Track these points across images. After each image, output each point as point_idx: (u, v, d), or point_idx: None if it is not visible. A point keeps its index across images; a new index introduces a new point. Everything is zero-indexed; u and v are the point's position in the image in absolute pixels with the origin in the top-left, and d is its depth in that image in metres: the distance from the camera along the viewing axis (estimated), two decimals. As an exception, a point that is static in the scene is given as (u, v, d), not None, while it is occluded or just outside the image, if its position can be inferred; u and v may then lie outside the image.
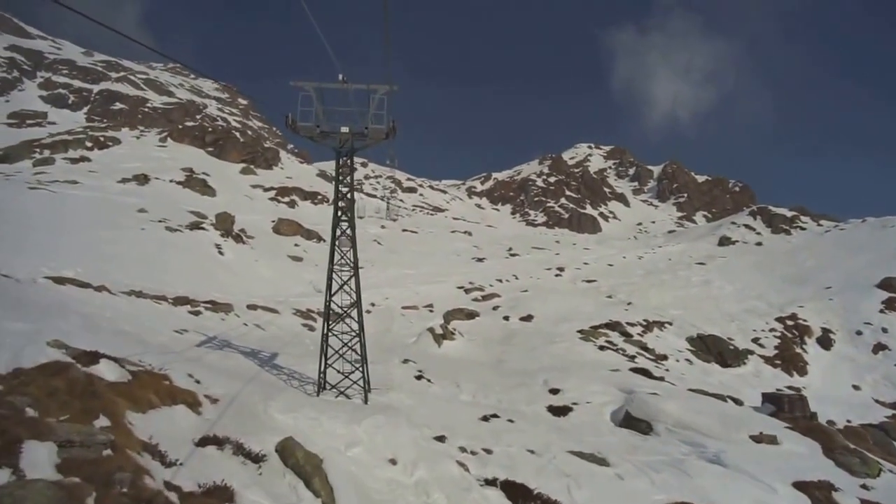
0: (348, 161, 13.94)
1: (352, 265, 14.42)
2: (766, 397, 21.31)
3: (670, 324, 40.05)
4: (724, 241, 74.81)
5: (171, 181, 58.41)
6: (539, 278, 55.28)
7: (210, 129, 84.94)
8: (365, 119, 13.34)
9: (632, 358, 29.29)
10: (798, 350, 35.15)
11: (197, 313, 20.78)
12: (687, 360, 32.54)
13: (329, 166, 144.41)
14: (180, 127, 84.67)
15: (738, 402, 22.06)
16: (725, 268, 60.34)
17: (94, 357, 9.35)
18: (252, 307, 26.30)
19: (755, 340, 36.42)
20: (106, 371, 9.11)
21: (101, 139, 68.99)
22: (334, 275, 14.68)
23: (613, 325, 36.80)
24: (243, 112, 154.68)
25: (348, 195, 13.88)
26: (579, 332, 33.80)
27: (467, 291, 44.69)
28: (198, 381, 11.78)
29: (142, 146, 71.43)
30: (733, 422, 15.66)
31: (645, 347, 32.89)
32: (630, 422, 16.69)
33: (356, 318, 15.07)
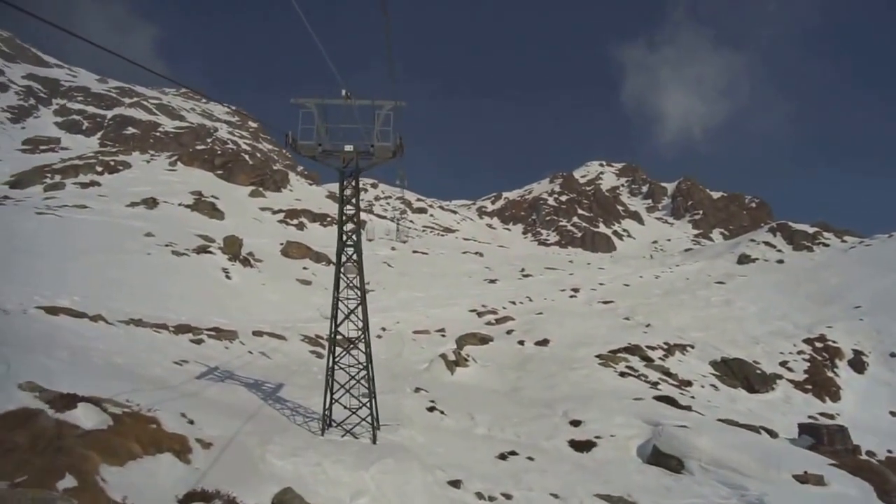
0: (353, 182, 13.17)
1: (359, 293, 13.56)
2: (803, 428, 19.93)
3: (692, 347, 38.64)
4: (744, 259, 73.15)
5: (179, 205, 58.32)
6: (553, 300, 54.07)
7: (219, 153, 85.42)
8: (370, 136, 12.61)
9: (654, 385, 27.98)
10: (829, 374, 33.54)
11: (199, 342, 19.99)
12: (712, 385, 31.11)
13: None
14: (190, 150, 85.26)
15: (771, 433, 20.69)
16: (746, 287, 58.76)
17: (70, 401, 8.52)
18: (258, 333, 25.47)
19: (783, 364, 34.87)
20: (83, 417, 8.26)
21: (112, 163, 69.45)
22: (340, 303, 13.82)
23: (633, 349, 35.50)
24: (253, 135, 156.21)
25: (354, 218, 13.07)
26: (598, 356, 32.55)
27: (480, 314, 43.60)
28: (191, 422, 10.89)
29: (151, 170, 71.78)
30: (772, 458, 14.41)
31: (667, 373, 31.53)
32: (659, 458, 15.48)
33: (364, 350, 14.14)
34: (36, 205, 45.24)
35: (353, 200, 13.22)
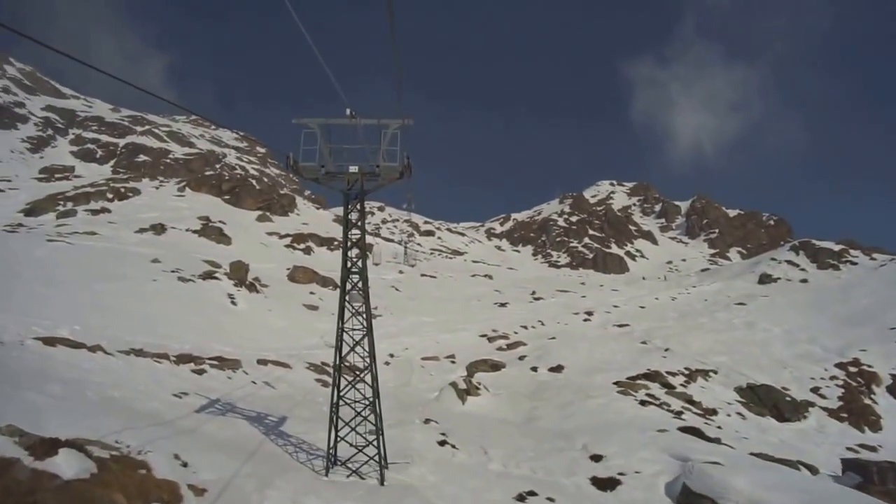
0: (358, 205, 12.62)
1: (365, 322, 12.88)
2: (848, 464, 18.65)
3: (715, 372, 37.40)
4: (765, 279, 71.62)
5: (187, 230, 58.37)
6: (566, 324, 53.00)
7: (227, 178, 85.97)
8: (376, 157, 12.10)
9: (678, 414, 26.81)
10: (867, 401, 32.09)
11: (201, 372, 19.34)
12: (739, 414, 29.83)
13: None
14: (198, 176, 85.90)
15: (812, 469, 19.48)
16: (769, 308, 57.31)
17: (52, 446, 7.88)
18: (262, 362, 24.79)
19: (815, 390, 33.48)
20: (64, 464, 7.60)
21: (122, 190, 70.00)
22: (346, 333, 13.16)
23: (653, 376, 34.36)
24: (261, 160, 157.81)
25: (359, 243, 12.49)
26: (616, 384, 31.45)
27: (490, 340, 42.66)
28: (184, 465, 10.18)
29: (160, 196, 72.22)
30: (818, 501, 13.35)
31: (691, 401, 30.32)
32: (691, 498, 14.47)
33: (370, 383, 13.41)
34: (48, 232, 45.38)
35: (359, 224, 12.64)
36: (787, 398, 31.59)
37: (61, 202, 63.19)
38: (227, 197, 76.97)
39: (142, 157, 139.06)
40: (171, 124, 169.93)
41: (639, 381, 32.32)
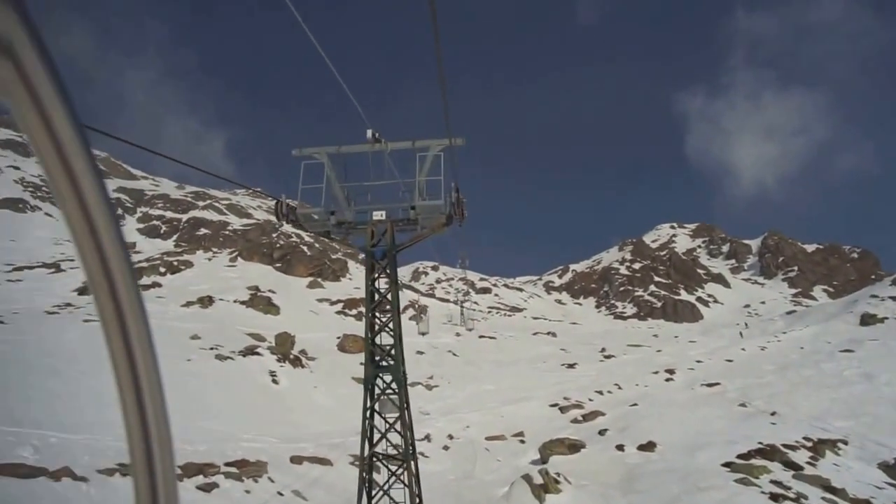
0: (386, 267, 8.77)
1: (401, 448, 8.72)
2: None
3: (845, 442, 30.51)
4: (869, 320, 62.62)
5: (234, 301, 56.69)
6: (646, 385, 46.70)
7: (278, 245, 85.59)
8: (411, 196, 8.34)
9: (822, 510, 20.67)
10: None
11: (210, 488, 15.52)
12: (898, 504, 23.12)
13: (402, 272, 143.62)
14: (249, 244, 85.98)
15: None
16: (883, 355, 48.98)
17: None
18: (296, 460, 20.83)
19: None
20: None
21: (175, 263, 70.07)
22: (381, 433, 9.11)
23: (769, 452, 27.97)
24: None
25: (389, 326, 8.55)
26: (727, 465, 25.43)
27: (563, 410, 37.25)
28: None
29: (212, 267, 71.87)
30: None
31: (829, 487, 23.91)
32: None
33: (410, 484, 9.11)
34: (90, 312, 44.20)
35: (389, 295, 8.72)
36: (960, 480, 24.54)
37: (116, 280, 63.35)
38: (278, 265, 76.01)
39: (202, 231, 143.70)
40: (230, 197, 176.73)
41: (754, 462, 26.11)
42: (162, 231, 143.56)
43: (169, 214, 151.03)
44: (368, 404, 8.37)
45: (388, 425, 8.53)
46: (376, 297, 8.57)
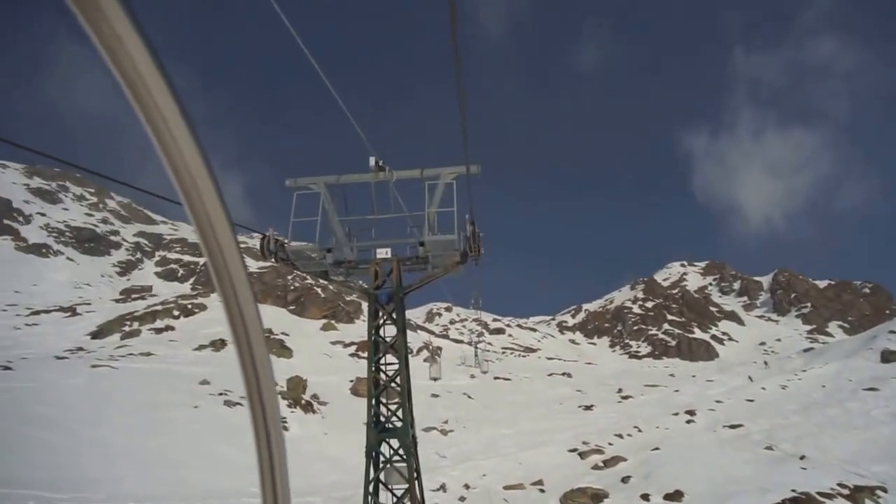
0: (392, 311, 7.61)
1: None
2: None
3: (884, 489, 28.17)
4: (890, 357, 59.78)
5: (248, 344, 55.46)
6: (667, 427, 44.25)
7: (292, 287, 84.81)
8: (420, 230, 7.26)
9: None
10: None
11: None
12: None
13: (415, 314, 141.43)
14: (264, 287, 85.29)
15: None
16: (912, 393, 46.30)
17: None
18: (301, 517, 19.20)
19: None
20: None
21: (189, 307, 69.32)
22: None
23: (805, 502, 25.77)
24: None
25: (394, 382, 7.33)
26: (762, 518, 23.30)
27: (582, 455, 35.10)
28: None
29: (226, 311, 71.00)
30: None
31: (877, 542, 21.65)
32: None
33: None
34: (99, 356, 43.21)
35: (396, 344, 7.53)
36: None
37: (128, 322, 62.65)
38: (292, 307, 75.09)
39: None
40: (247, 241, 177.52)
41: (791, 513, 23.98)
42: (179, 274, 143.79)
43: (186, 258, 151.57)
44: (372, 475, 7.07)
45: (395, 499, 7.21)
46: (381, 346, 7.41)
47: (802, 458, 34.11)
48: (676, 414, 48.19)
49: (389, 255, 7.45)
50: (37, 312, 66.85)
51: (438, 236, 7.11)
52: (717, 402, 52.49)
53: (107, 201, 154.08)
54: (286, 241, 7.29)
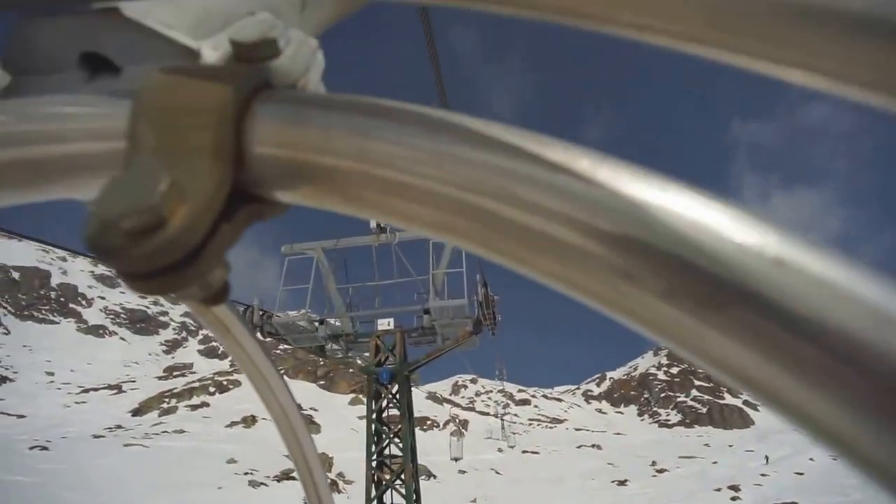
0: (395, 392, 6.23)
1: None
2: None
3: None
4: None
5: (277, 420, 53.28)
6: (711, 506, 39.74)
7: (321, 363, 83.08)
8: (425, 298, 6.00)
9: None
10: None
11: None
12: None
13: (441, 386, 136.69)
14: (297, 363, 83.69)
15: None
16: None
17: None
18: None
19: None
20: None
21: (224, 383, 67.93)
22: None
23: None
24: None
25: (400, 478, 5.81)
26: None
27: (622, 538, 31.13)
28: None
29: (259, 386, 69.36)
30: None
31: None
32: None
33: None
34: (134, 435, 41.65)
35: (398, 428, 6.08)
36: None
37: (166, 399, 61.36)
38: (321, 382, 72.97)
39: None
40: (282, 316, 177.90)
41: None
42: (220, 351, 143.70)
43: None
44: None
45: None
46: (384, 434, 5.95)
47: (865, 541, 29.73)
48: (719, 490, 43.44)
49: (392, 327, 6.19)
50: (87, 390, 66.38)
51: (445, 301, 5.84)
52: (763, 475, 47.43)
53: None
54: (274, 312, 6.10)
